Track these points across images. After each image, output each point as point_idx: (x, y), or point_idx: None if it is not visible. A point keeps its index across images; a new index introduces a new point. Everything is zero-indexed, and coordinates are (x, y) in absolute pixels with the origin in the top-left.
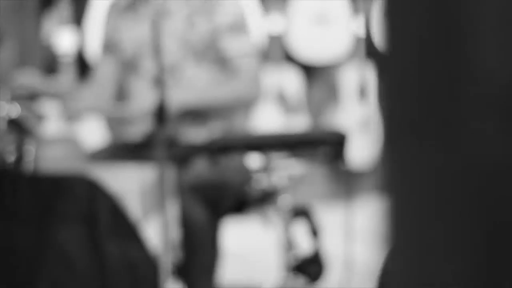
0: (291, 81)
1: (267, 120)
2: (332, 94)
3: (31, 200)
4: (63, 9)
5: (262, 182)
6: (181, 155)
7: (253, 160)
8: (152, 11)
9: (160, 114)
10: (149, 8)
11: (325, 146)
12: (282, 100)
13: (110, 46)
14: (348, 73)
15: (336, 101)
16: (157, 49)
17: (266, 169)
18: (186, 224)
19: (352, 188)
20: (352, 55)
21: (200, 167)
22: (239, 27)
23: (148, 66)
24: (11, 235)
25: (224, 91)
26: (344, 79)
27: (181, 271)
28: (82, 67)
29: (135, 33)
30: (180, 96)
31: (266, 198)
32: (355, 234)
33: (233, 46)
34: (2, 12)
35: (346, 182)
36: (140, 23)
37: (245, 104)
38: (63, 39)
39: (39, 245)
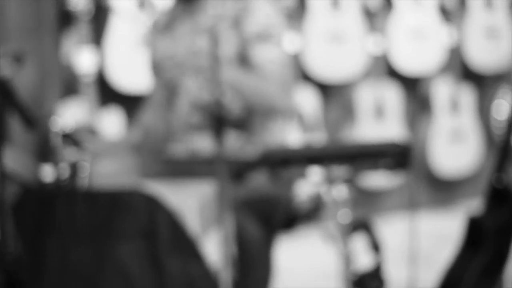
0: (308, 99)
1: (285, 138)
2: (348, 112)
3: (87, 217)
4: (82, 29)
5: (321, 195)
6: (238, 170)
7: (313, 173)
8: (207, 26)
9: (218, 128)
10: (185, 27)
11: (386, 158)
12: (300, 118)
13: (156, 68)
14: (363, 92)
15: (352, 119)
16: (214, 66)
17: (326, 182)
18: (240, 240)
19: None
20: (367, 73)
21: (256, 182)
22: (267, 36)
23: (189, 85)
24: (68, 253)
25: (255, 84)
26: (359, 97)
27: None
28: (103, 86)
29: (173, 52)
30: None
31: (323, 212)
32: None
33: (261, 53)
34: (21, 33)
35: (410, 197)
36: (177, 42)
37: (277, 111)
38: (82, 59)
39: (97, 262)
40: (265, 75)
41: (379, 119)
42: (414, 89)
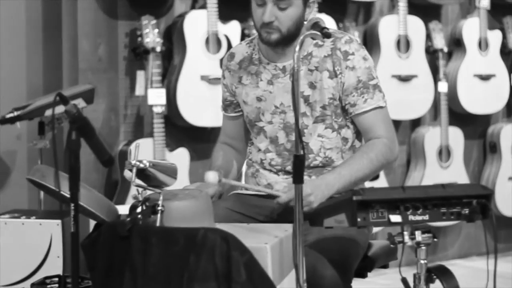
0: None
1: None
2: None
3: (162, 254)
4: (154, 67)
5: (399, 239)
6: (315, 213)
7: (392, 216)
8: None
9: (297, 171)
10: (266, 71)
11: (470, 202)
12: None
13: (230, 105)
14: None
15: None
16: (295, 107)
17: (404, 225)
18: (314, 283)
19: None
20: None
21: (332, 224)
22: (365, 86)
23: (267, 126)
24: None
25: (367, 167)
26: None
27: None
28: (173, 121)
29: (253, 93)
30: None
31: (399, 258)
32: None
33: (360, 102)
34: (93, 70)
35: (493, 239)
36: (258, 84)
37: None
38: (154, 96)
39: None
40: (368, 124)
41: (444, 162)
42: (481, 133)
